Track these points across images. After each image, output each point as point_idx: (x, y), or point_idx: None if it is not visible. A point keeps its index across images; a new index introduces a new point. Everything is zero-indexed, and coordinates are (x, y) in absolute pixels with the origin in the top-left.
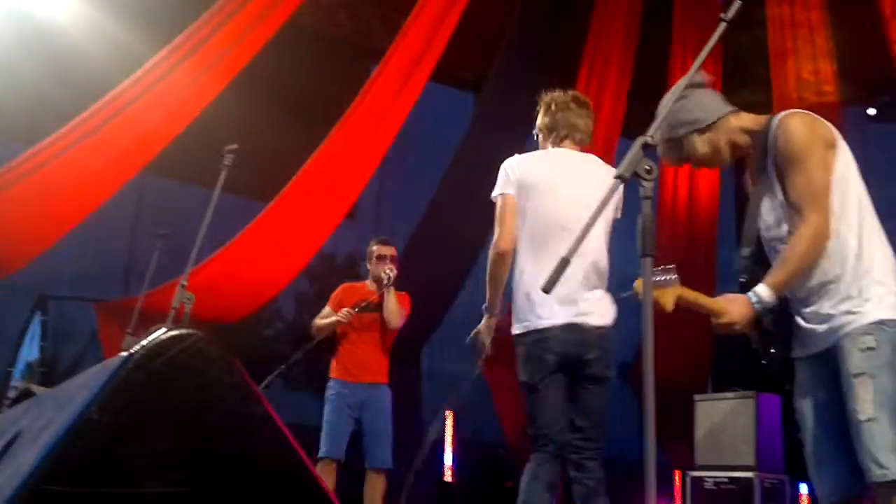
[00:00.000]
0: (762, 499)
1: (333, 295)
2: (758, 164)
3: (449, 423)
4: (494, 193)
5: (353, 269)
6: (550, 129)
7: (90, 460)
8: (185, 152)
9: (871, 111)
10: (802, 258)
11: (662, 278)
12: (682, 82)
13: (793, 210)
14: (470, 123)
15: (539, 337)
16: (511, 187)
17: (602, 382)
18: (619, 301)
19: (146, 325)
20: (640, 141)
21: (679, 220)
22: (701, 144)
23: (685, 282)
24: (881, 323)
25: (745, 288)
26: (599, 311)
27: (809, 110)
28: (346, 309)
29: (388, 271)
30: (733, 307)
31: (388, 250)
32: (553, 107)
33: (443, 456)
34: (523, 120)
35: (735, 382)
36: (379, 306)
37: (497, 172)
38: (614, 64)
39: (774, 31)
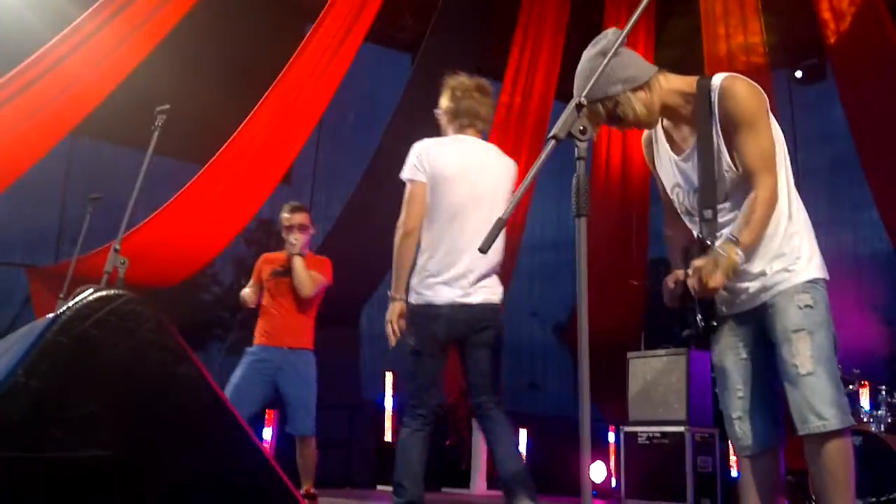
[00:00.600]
0: (693, 452)
1: (255, 266)
2: (696, 127)
3: (389, 383)
4: (404, 176)
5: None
6: (454, 115)
7: (18, 425)
8: (116, 113)
9: (798, 73)
10: (764, 221)
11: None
12: (613, 39)
13: (743, 173)
14: (406, 85)
15: (433, 312)
16: (422, 175)
17: (489, 348)
18: (554, 262)
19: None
20: (573, 102)
21: (613, 180)
22: (637, 103)
23: (619, 241)
24: (814, 282)
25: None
26: (487, 291)
27: (739, 72)
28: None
29: (293, 240)
30: (720, 266)
31: (297, 218)
32: (458, 92)
33: (383, 417)
34: None
35: (667, 340)
36: (288, 273)
37: (431, 133)
38: (549, 23)
39: None
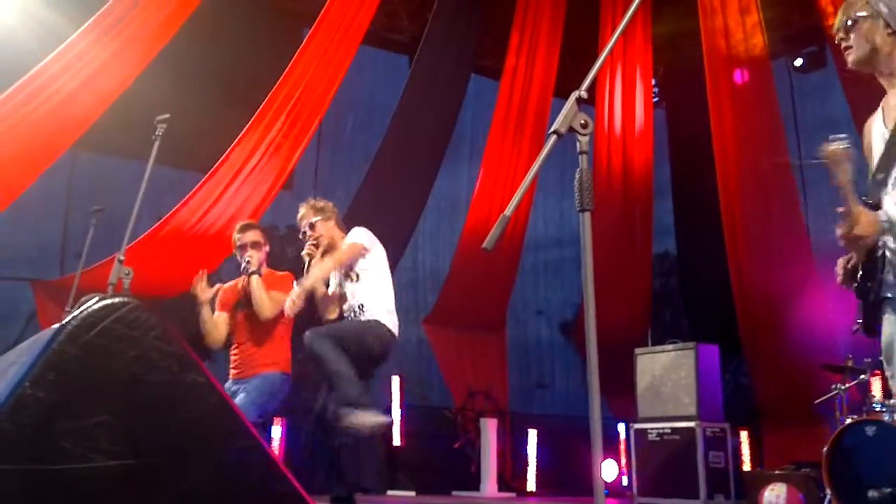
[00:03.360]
0: (705, 447)
1: (218, 299)
2: None
3: (396, 387)
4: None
5: (293, 239)
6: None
7: (27, 437)
8: (116, 126)
9: (798, 62)
10: None
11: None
12: None
13: None
14: (405, 86)
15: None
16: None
17: None
18: (558, 260)
19: None
20: (574, 96)
21: (615, 175)
22: (880, 39)
23: (623, 236)
24: None
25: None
26: None
27: (739, 62)
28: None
29: (248, 257)
30: (865, 219)
31: (248, 236)
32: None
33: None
34: (457, 81)
35: (674, 335)
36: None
37: (429, 137)
38: (545, 21)
39: None
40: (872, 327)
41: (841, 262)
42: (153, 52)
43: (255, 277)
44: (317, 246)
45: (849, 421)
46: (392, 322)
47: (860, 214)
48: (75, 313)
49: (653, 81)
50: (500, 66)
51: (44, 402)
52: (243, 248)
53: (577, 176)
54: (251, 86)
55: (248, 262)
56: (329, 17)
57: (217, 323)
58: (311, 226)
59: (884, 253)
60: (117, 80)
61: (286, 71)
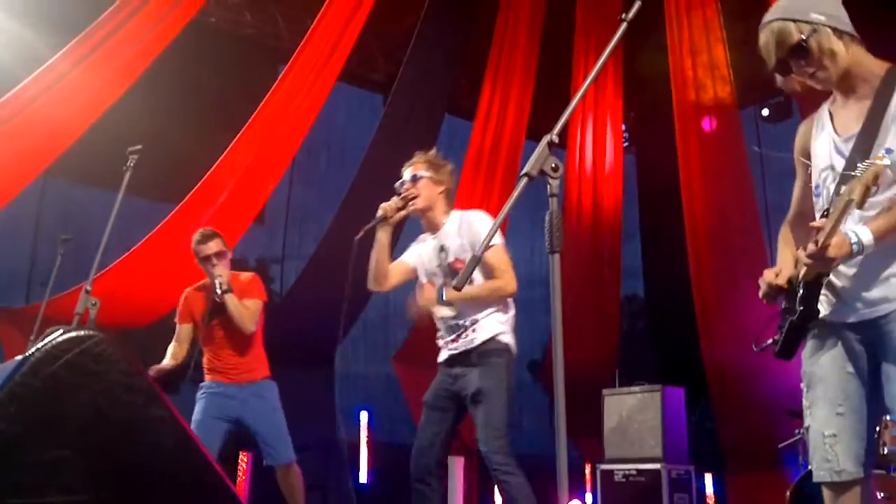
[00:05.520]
0: (670, 489)
1: (181, 305)
2: (871, 107)
3: (364, 424)
4: (497, 242)
5: (264, 273)
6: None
7: None
8: (88, 154)
9: (765, 112)
10: None
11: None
12: None
13: None
14: (379, 124)
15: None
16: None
17: None
18: (528, 299)
19: None
20: (545, 139)
21: (584, 217)
22: (834, 44)
23: (592, 278)
24: None
25: None
26: None
27: (706, 110)
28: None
29: (218, 273)
30: (839, 240)
31: (211, 246)
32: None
33: (358, 458)
34: (430, 120)
35: (641, 376)
36: (223, 308)
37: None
38: (519, 64)
39: (673, 37)
40: (794, 350)
41: (769, 273)
42: (130, 80)
43: (229, 296)
44: (404, 206)
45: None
46: (512, 341)
47: (839, 234)
48: (40, 345)
49: (623, 127)
50: (473, 106)
51: (3, 434)
52: (207, 259)
53: (546, 218)
54: (225, 119)
55: (219, 282)
56: (304, 56)
57: (181, 340)
58: (415, 178)
59: (828, 275)
60: (93, 106)
61: (260, 106)
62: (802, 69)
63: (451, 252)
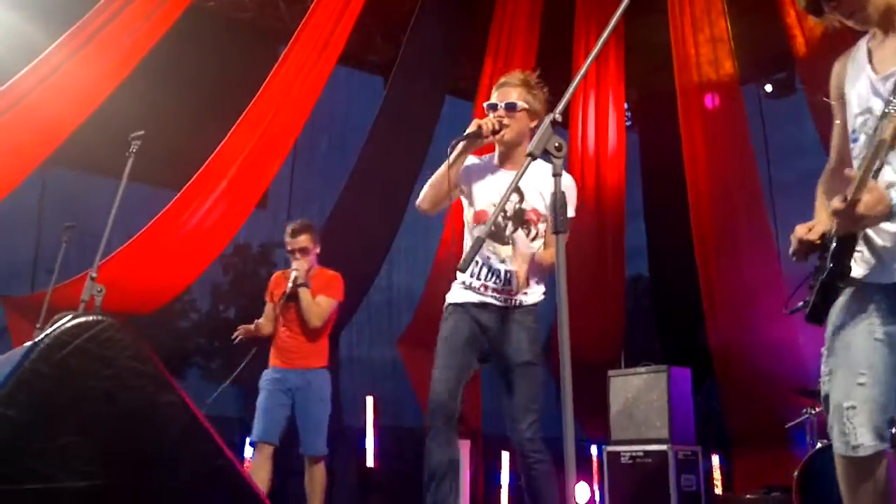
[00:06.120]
0: (677, 470)
1: (268, 286)
2: None
3: (370, 408)
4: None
5: (266, 258)
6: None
7: None
8: (90, 142)
9: (768, 88)
10: None
11: None
12: None
13: None
14: (379, 107)
15: None
16: None
17: None
18: None
19: None
20: (548, 118)
21: (587, 196)
22: None
23: (595, 257)
24: None
25: None
26: None
27: (709, 88)
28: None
29: (296, 267)
30: (876, 196)
31: (298, 241)
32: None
33: (364, 442)
34: (431, 102)
35: (647, 357)
36: (297, 297)
37: (404, 157)
38: (519, 46)
39: (674, 13)
40: (825, 313)
41: (801, 229)
42: (129, 67)
43: (303, 290)
44: (494, 132)
45: (819, 445)
46: None
47: (874, 189)
48: (48, 331)
49: (626, 106)
50: (474, 88)
51: (14, 421)
52: (291, 252)
53: (550, 198)
54: (226, 103)
55: (295, 275)
56: (304, 36)
57: (266, 316)
58: (510, 107)
59: (865, 232)
60: (91, 96)
61: (261, 89)
62: (834, 12)
63: (529, 199)
